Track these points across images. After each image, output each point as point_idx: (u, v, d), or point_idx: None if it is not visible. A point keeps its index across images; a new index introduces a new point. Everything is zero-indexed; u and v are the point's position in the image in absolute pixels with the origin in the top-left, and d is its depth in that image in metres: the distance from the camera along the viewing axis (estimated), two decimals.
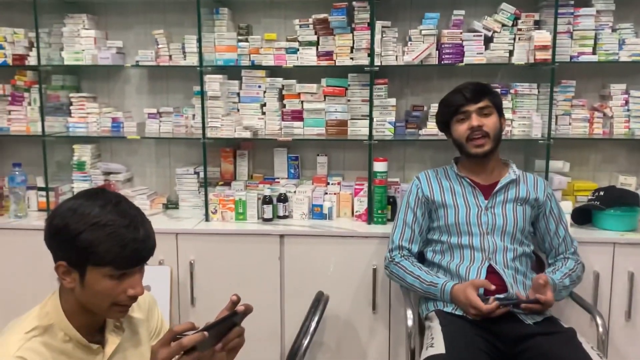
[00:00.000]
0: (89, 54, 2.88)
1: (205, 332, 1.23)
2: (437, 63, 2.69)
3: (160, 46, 2.86)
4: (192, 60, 2.80)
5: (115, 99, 3.12)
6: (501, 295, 1.99)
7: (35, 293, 2.65)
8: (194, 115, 2.93)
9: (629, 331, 2.49)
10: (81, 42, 2.89)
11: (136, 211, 1.33)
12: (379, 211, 2.71)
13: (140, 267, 1.34)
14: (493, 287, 1.97)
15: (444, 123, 2.26)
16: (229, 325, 1.30)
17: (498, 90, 2.64)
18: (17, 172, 2.83)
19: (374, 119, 2.75)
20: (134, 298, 1.34)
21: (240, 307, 1.32)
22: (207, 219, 2.80)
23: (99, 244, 1.25)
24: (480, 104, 2.14)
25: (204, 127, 2.74)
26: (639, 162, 2.90)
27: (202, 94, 2.74)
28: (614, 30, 2.68)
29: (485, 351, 1.86)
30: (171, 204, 3.04)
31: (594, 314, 2.05)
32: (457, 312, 2.01)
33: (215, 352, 1.30)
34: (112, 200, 1.30)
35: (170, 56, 2.87)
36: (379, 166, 2.69)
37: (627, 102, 2.73)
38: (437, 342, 1.84)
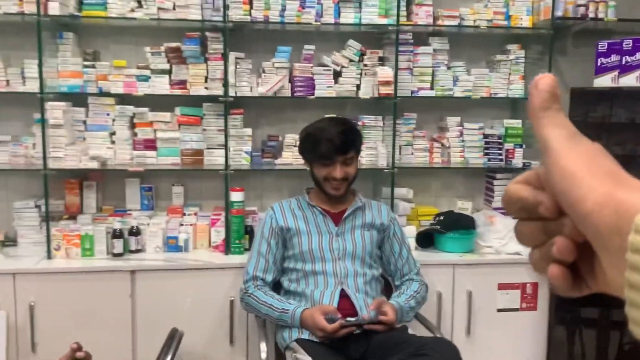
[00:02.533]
0: None
1: None
2: (290, 95, 2.77)
3: None
4: (33, 86, 2.62)
5: None
6: (351, 319, 2.08)
7: None
8: (34, 145, 2.72)
9: (469, 346, 2.69)
10: None
11: None
12: (237, 241, 2.70)
13: None
14: (339, 315, 2.06)
15: (305, 157, 2.32)
16: None
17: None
18: None
19: (230, 149, 2.75)
20: None
21: (80, 354, 1.25)
22: (49, 256, 2.60)
23: None
24: (347, 155, 2.22)
25: (45, 158, 2.56)
26: (474, 187, 3.19)
27: (42, 122, 2.56)
28: (448, 67, 2.94)
29: None
30: (9, 241, 2.78)
31: (434, 332, 2.20)
32: (314, 339, 2.06)
33: None
34: None
35: (7, 81, 2.66)
36: (236, 196, 2.69)
37: (461, 134, 3.00)
38: None
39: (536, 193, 0.39)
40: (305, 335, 2.08)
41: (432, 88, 2.90)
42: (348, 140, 2.21)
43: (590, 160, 0.36)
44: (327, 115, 2.81)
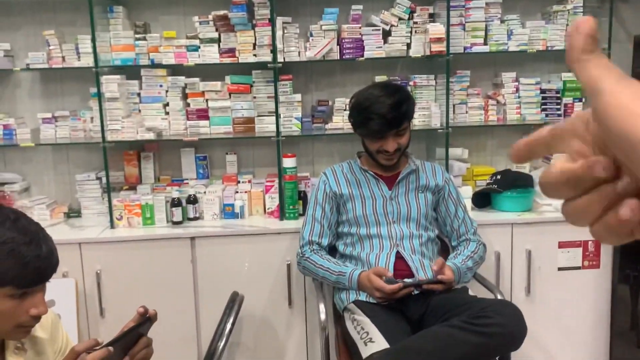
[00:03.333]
0: None
1: (110, 347, 1.19)
2: (338, 58, 2.73)
3: (52, 47, 2.71)
4: (87, 61, 2.68)
5: (5, 104, 2.92)
6: (408, 280, 2.07)
7: None
8: (92, 118, 2.80)
9: (529, 306, 2.65)
10: None
11: (36, 227, 1.27)
12: (291, 207, 2.72)
13: (42, 285, 1.28)
14: (390, 273, 2.05)
15: (355, 129, 2.25)
16: (135, 337, 1.27)
17: (400, 83, 2.74)
18: None
19: (281, 115, 2.76)
20: (37, 318, 1.28)
21: (151, 311, 1.30)
22: (112, 226, 2.69)
23: None
24: (400, 128, 2.13)
25: (103, 130, 2.63)
26: None
27: (99, 95, 2.63)
28: (502, 21, 2.83)
29: (408, 333, 1.95)
30: (73, 213, 2.89)
31: (494, 292, 2.17)
32: (372, 301, 2.07)
33: None
34: (10, 216, 1.23)
35: (63, 57, 2.73)
36: (288, 162, 2.70)
37: (517, 90, 2.90)
38: (374, 336, 1.88)
39: (583, 160, 0.36)
40: (363, 297, 2.10)
41: (485, 43, 2.80)
42: (400, 113, 2.11)
43: None
44: (377, 80, 2.78)
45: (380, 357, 1.75)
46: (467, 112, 2.88)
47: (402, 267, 2.13)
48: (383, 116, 2.08)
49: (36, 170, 2.98)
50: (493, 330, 1.77)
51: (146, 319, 1.30)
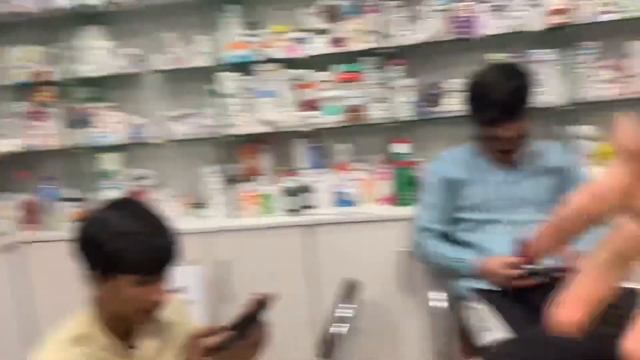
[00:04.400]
0: (106, 64, 2.93)
1: (228, 332, 1.25)
2: (450, 38, 2.64)
3: (173, 49, 2.89)
4: (206, 60, 2.82)
5: (136, 105, 3.16)
6: (534, 266, 1.96)
7: (75, 302, 2.74)
8: (213, 115, 2.95)
9: None
10: (97, 53, 2.94)
11: (160, 218, 1.36)
12: (405, 193, 2.69)
13: (163, 274, 1.38)
14: (522, 263, 1.95)
15: (470, 115, 2.14)
16: (251, 322, 1.32)
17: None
18: (48, 186, 2.91)
19: (392, 101, 2.73)
20: (158, 304, 1.38)
21: (267, 297, 1.35)
22: (234, 215, 2.83)
23: (124, 253, 1.29)
24: (517, 115, 1.99)
25: (223, 126, 2.76)
26: None
27: (218, 92, 2.76)
28: None
29: (529, 321, 1.86)
30: (199, 204, 3.08)
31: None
32: (492, 288, 1.99)
33: (241, 349, 1.33)
34: (136, 208, 1.34)
35: (184, 58, 2.89)
36: (401, 148, 2.67)
37: None
38: (494, 325, 1.83)
39: None
40: (482, 285, 2.02)
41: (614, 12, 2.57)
42: (519, 99, 1.96)
43: None
44: (494, 60, 2.65)
45: (503, 346, 1.68)
46: (596, 86, 2.67)
47: (526, 252, 2.02)
48: (500, 103, 1.95)
49: (165, 166, 3.19)
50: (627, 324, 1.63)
51: (261, 305, 1.35)
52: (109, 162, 3.08)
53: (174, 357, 1.53)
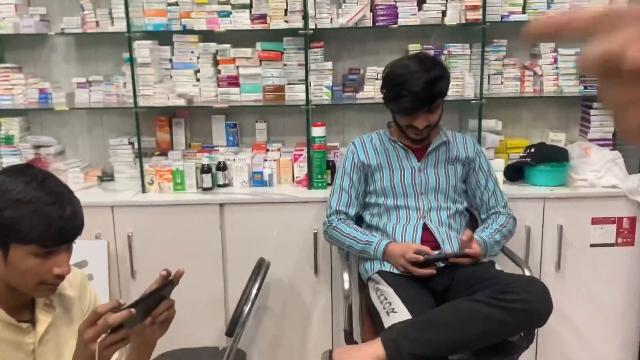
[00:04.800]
0: (11, 23, 2.72)
1: (132, 309, 1.21)
2: (371, 25, 2.68)
3: (86, 12, 2.74)
4: (121, 26, 2.69)
5: (41, 69, 2.97)
6: (434, 252, 2.05)
7: None
8: (125, 84, 2.83)
9: (559, 281, 2.61)
10: (1, 9, 2.73)
11: (63, 189, 1.30)
12: (319, 176, 2.72)
13: (66, 245, 1.31)
14: (427, 248, 2.04)
15: (386, 104, 2.18)
16: (157, 299, 1.29)
17: (433, 52, 2.68)
18: None
19: (311, 84, 2.73)
20: (60, 277, 1.32)
21: (176, 273, 1.31)
22: (143, 190, 2.74)
23: (22, 221, 1.22)
24: (432, 105, 2.06)
25: (135, 96, 2.66)
26: (568, 118, 3.00)
27: (132, 61, 2.65)
28: None
29: (432, 305, 1.94)
30: (106, 177, 2.95)
31: (522, 267, 2.14)
32: (396, 272, 2.07)
33: (145, 327, 1.29)
34: (37, 176, 1.26)
35: (97, 22, 2.75)
36: (317, 131, 2.68)
37: (556, 61, 2.80)
38: (397, 307, 1.89)
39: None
40: (387, 267, 2.09)
41: (524, 12, 2.70)
42: (435, 92, 2.03)
43: None
44: (410, 49, 2.72)
45: (402, 327, 1.75)
46: (502, 82, 2.81)
47: (428, 239, 2.11)
48: (416, 94, 2.01)
49: (71, 134, 3.04)
50: (517, 306, 1.75)
51: (169, 282, 1.31)
52: (9, 126, 2.88)
53: (71, 333, 1.47)
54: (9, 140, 2.88)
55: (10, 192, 1.23)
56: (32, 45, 2.95)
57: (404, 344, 1.68)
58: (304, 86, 2.73)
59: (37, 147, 2.93)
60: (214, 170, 2.77)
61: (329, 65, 2.78)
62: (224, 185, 2.79)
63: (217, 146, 2.95)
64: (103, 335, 1.19)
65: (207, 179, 2.73)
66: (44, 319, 1.40)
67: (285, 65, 2.80)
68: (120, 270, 2.62)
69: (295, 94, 2.81)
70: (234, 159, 2.82)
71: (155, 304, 1.29)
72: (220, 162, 2.79)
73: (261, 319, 2.69)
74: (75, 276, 1.50)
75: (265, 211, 2.63)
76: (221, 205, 2.62)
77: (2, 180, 1.26)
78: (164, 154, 2.89)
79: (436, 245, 2.10)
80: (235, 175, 2.81)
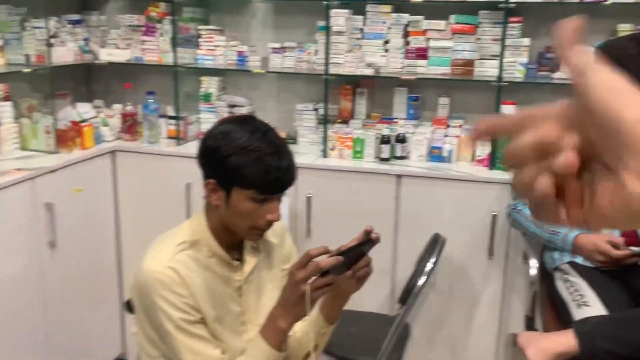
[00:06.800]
0: None
1: (340, 257, 1.26)
2: (578, 0, 2.49)
3: None
4: None
5: (241, 32, 3.18)
6: (636, 248, 1.89)
7: (163, 212, 2.86)
8: (316, 51, 2.93)
9: None
10: None
11: (281, 141, 1.39)
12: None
13: (279, 194, 1.40)
14: (623, 243, 1.87)
15: None
16: (358, 254, 1.33)
17: None
18: (150, 100, 3.00)
19: (504, 60, 2.62)
20: (270, 223, 1.41)
21: (374, 235, 1.34)
22: (324, 155, 2.84)
23: (245, 168, 1.32)
24: None
25: (326, 63, 2.74)
26: None
27: (327, 29, 2.72)
28: None
29: (629, 303, 1.80)
30: (290, 139, 3.10)
31: None
32: (589, 264, 1.93)
33: (345, 279, 1.34)
34: (260, 128, 1.37)
35: None
36: (507, 109, 2.57)
37: None
38: (590, 300, 1.78)
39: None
40: (579, 260, 1.96)
41: None
42: None
43: (624, 80, 0.38)
44: (622, 32, 2.49)
45: (599, 322, 1.63)
46: None
47: (629, 233, 1.94)
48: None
49: (262, 97, 3.22)
50: None
51: (369, 240, 1.35)
52: (209, 84, 3.13)
53: (270, 277, 1.58)
54: (207, 97, 3.13)
55: (237, 140, 1.34)
56: (235, 10, 3.16)
57: (600, 339, 1.57)
58: (496, 62, 2.63)
59: (232, 106, 3.15)
60: (392, 141, 2.78)
61: (526, 41, 2.63)
62: (401, 158, 2.79)
63: (396, 118, 2.96)
64: (313, 278, 1.26)
65: (385, 150, 2.76)
66: (250, 260, 1.51)
67: (478, 39, 2.71)
68: (298, 228, 2.76)
69: (485, 70, 2.71)
70: (414, 132, 2.81)
71: (356, 259, 1.33)
72: (399, 134, 2.80)
73: (427, 294, 2.68)
74: (279, 225, 1.60)
75: (442, 187, 2.60)
76: (398, 176, 2.63)
77: (231, 129, 1.37)
78: (344, 122, 2.96)
79: (638, 242, 1.92)
80: (414, 149, 2.80)
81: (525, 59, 2.65)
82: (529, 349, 1.60)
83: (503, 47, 2.56)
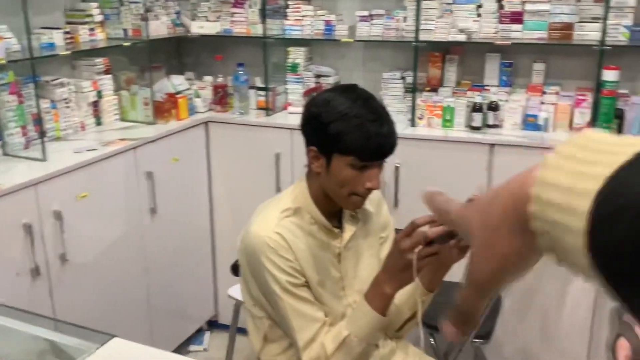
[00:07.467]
0: None
1: (445, 226, 1.25)
2: None
3: None
4: None
5: (328, 1, 3.16)
6: None
7: (254, 181, 2.95)
8: (405, 18, 2.87)
9: None
10: None
11: (383, 109, 1.39)
12: (605, 124, 2.49)
13: (380, 162, 1.41)
14: None
15: None
16: None
17: None
18: (241, 72, 3.06)
19: (607, 22, 2.47)
20: (369, 191, 1.42)
21: None
22: (413, 124, 2.81)
23: (346, 134, 1.33)
24: None
25: (417, 30, 2.69)
26: None
27: None
28: None
29: None
30: None
31: None
32: None
33: (449, 248, 1.33)
34: (362, 95, 1.37)
35: None
36: (610, 75, 2.44)
37: None
38: None
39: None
40: None
41: None
42: None
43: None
44: None
45: None
46: None
47: None
48: None
49: (348, 66, 3.21)
50: None
51: None
52: (295, 55, 3.15)
53: (367, 244, 1.59)
54: (294, 68, 3.16)
55: (339, 107, 1.35)
56: None
57: None
58: (597, 25, 2.48)
59: (318, 76, 3.17)
60: (484, 109, 2.71)
61: (631, 2, 2.47)
62: (494, 126, 2.72)
63: (487, 85, 2.87)
64: (420, 247, 1.26)
65: (477, 118, 2.69)
66: (349, 228, 1.54)
67: (578, 1, 2.56)
68: (386, 198, 2.74)
69: (586, 34, 2.57)
70: (507, 100, 2.72)
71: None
72: (492, 101, 2.72)
73: None
74: (376, 194, 1.61)
75: (538, 156, 2.45)
76: (491, 145, 2.56)
77: (332, 97, 1.38)
78: (433, 90, 2.91)
79: None
80: (507, 117, 2.71)
81: (630, 21, 2.48)
82: None
83: (607, 8, 2.41)
